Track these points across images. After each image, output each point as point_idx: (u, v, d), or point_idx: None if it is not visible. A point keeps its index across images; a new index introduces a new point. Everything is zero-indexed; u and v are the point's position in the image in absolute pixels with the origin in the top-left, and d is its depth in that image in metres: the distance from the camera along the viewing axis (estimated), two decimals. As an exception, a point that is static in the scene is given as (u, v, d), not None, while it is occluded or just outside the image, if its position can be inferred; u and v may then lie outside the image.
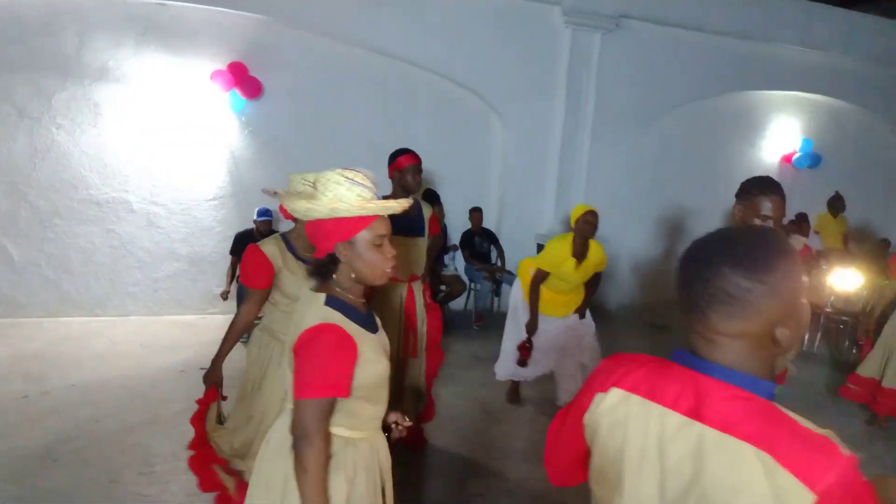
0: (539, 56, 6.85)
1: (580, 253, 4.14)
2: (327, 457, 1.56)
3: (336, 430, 1.61)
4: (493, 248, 6.85)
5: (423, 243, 3.56)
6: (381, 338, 1.76)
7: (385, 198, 3.56)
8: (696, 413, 1.00)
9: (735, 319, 1.01)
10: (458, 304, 6.96)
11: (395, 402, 3.70)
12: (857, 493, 0.92)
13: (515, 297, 4.57)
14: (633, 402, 1.08)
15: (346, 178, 1.64)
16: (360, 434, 1.67)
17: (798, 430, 0.94)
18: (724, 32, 7.49)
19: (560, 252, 4.11)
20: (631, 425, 1.08)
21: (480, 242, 6.79)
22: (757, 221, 2.34)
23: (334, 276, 1.67)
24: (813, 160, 8.50)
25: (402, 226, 3.51)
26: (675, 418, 1.03)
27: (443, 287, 6.52)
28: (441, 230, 3.95)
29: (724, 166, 8.21)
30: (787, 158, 8.58)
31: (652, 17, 7.07)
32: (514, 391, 4.71)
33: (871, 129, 8.94)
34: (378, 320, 1.81)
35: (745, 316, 1.00)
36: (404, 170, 3.38)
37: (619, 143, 7.35)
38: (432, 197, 6.63)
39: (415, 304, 3.53)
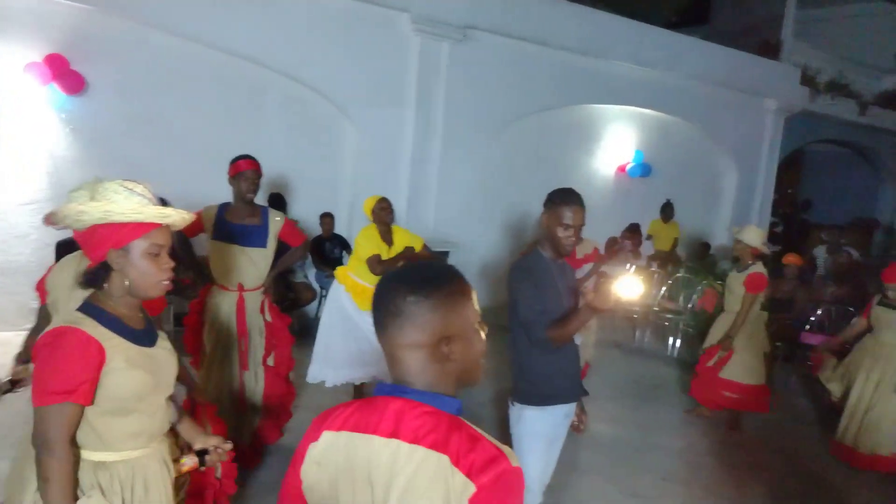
0: (389, 62, 6.90)
1: (386, 238, 4.49)
2: (73, 466, 1.50)
3: (83, 453, 1.53)
4: (344, 254, 6.79)
5: (260, 255, 3.46)
6: (157, 353, 1.69)
7: (223, 205, 3.44)
8: (394, 433, 1.13)
9: (406, 330, 1.17)
10: (309, 311, 6.83)
11: (235, 419, 3.59)
12: (507, 493, 1.09)
13: (337, 298, 4.60)
14: (342, 438, 1.17)
15: (126, 187, 1.57)
16: (116, 456, 1.58)
17: (476, 439, 1.11)
18: (566, 48, 7.95)
19: (373, 238, 4.42)
20: (341, 460, 1.17)
21: (331, 248, 6.70)
22: (560, 229, 2.49)
23: (106, 285, 1.60)
24: (644, 170, 9.24)
25: (237, 234, 3.39)
26: (377, 441, 1.14)
27: (291, 295, 6.37)
28: (305, 240, 3.87)
29: (567, 175, 8.71)
30: (622, 168, 9.27)
31: (498, 30, 7.35)
32: (358, 395, 4.70)
33: (694, 141, 9.87)
34: (163, 336, 1.73)
35: (413, 327, 1.16)
36: (239, 175, 3.30)
37: (470, 150, 7.57)
38: (279, 202, 6.46)
39: (245, 315, 3.42)
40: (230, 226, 3.40)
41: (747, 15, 11.80)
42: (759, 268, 4.97)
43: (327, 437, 1.19)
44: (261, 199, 6.53)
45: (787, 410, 5.64)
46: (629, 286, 2.30)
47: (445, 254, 7.14)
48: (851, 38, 12.60)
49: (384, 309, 1.19)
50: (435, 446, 1.09)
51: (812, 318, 6.28)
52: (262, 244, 3.48)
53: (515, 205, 8.28)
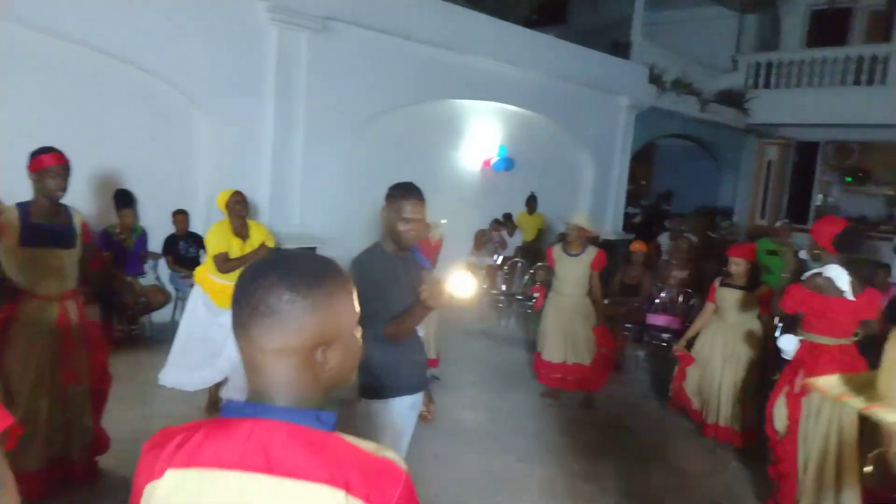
0: (244, 52, 6.64)
1: (241, 233, 4.47)
2: None
3: None
4: (201, 253, 6.48)
5: (73, 256, 3.20)
6: None
7: (23, 205, 3.09)
8: (267, 466, 0.94)
9: (276, 333, 0.98)
10: (164, 315, 6.47)
11: (63, 436, 3.32)
12: (414, 499, 1.00)
13: (195, 302, 4.46)
14: (194, 477, 0.96)
15: None
16: None
17: (364, 459, 0.97)
18: (428, 42, 8.03)
19: (222, 234, 4.37)
20: None
21: (186, 247, 6.38)
22: (401, 223, 2.51)
23: None
24: (508, 164, 9.55)
25: (49, 237, 3.12)
26: (245, 480, 0.95)
27: (142, 300, 6.00)
28: (93, 238, 3.59)
29: (434, 169, 8.83)
30: (487, 163, 9.52)
31: (359, 22, 7.28)
32: (213, 399, 4.53)
33: (554, 136, 10.32)
34: None
35: (285, 330, 0.98)
36: (44, 172, 3.00)
37: (335, 144, 7.46)
38: (127, 199, 6.04)
39: (70, 325, 3.16)
40: (41, 227, 3.09)
41: (600, 15, 12.50)
42: (595, 249, 5.29)
43: (172, 476, 0.96)
44: (106, 196, 6.13)
45: (636, 387, 6.05)
46: (462, 284, 2.34)
47: (312, 250, 7.01)
48: (693, 39, 13.70)
49: (249, 307, 0.99)
50: (323, 478, 0.92)
51: (657, 301, 6.78)
52: (73, 244, 3.23)
53: (383, 199, 8.25)
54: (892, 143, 13.21)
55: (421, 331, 2.68)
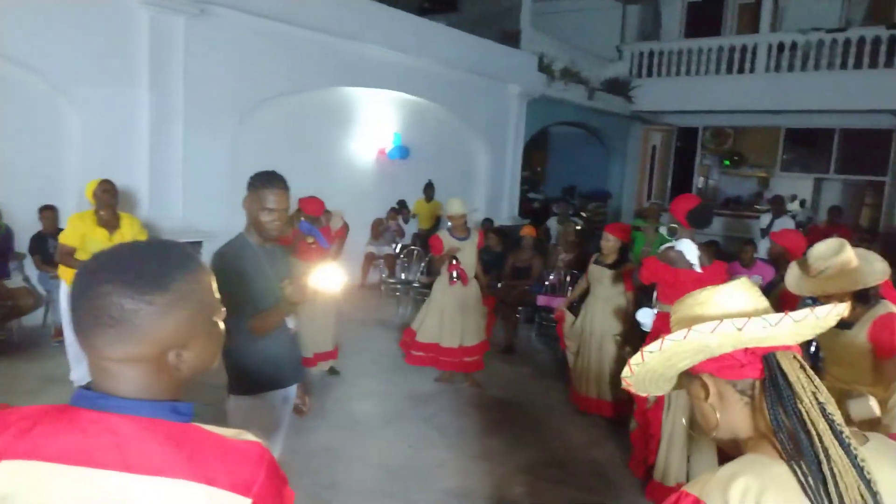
0: (114, 37, 6.26)
1: (109, 224, 4.46)
2: None
3: None
4: (74, 252, 6.10)
5: None
6: None
7: None
8: (118, 462, 0.87)
9: (121, 344, 0.90)
10: (35, 319, 6.05)
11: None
12: (280, 478, 1.00)
13: (63, 295, 4.33)
14: (31, 472, 0.87)
15: None
16: None
17: (224, 447, 0.93)
18: (317, 28, 7.87)
19: (79, 225, 4.37)
20: None
21: (55, 245, 5.97)
22: (263, 213, 2.47)
23: None
24: (403, 152, 9.56)
25: None
26: (94, 476, 0.87)
27: (8, 302, 5.59)
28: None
29: (328, 158, 8.71)
30: (382, 151, 9.49)
31: (239, 6, 7.03)
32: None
33: (449, 124, 10.42)
34: None
35: (132, 340, 0.90)
36: None
37: (218, 133, 7.20)
38: (-16, 195, 5.59)
39: None
40: None
41: (491, 4, 12.69)
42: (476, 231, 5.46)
43: (8, 467, 0.87)
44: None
45: (528, 366, 6.25)
46: (328, 278, 2.32)
47: (198, 244, 6.74)
48: (580, 29, 14.18)
49: (89, 315, 0.89)
50: (181, 474, 0.87)
51: (546, 283, 7.02)
52: None
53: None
54: (762, 127, 14.25)
55: (290, 323, 2.64)
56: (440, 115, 10.23)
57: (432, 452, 4.32)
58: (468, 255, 5.37)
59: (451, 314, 5.43)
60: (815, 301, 2.85)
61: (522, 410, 5.16)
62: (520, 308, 6.85)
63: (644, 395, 1.25)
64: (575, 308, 5.28)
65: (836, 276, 2.69)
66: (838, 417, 0.99)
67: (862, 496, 0.93)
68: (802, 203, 14.34)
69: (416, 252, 8.60)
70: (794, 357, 1.05)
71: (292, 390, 2.72)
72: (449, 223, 5.40)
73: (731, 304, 1.08)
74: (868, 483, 0.94)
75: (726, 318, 1.02)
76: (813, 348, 3.94)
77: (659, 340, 1.08)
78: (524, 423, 4.91)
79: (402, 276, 8.64)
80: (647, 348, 1.10)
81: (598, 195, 14.53)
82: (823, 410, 0.98)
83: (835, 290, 2.67)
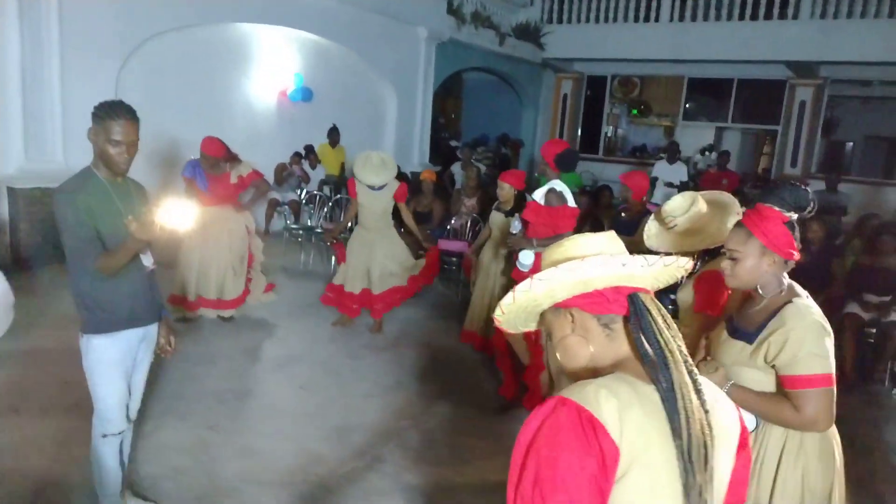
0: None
1: None
2: None
3: None
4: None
5: None
6: None
7: None
8: None
9: None
10: None
11: None
12: None
13: None
14: None
15: None
16: None
17: None
18: (207, -40, 7.45)
19: None
20: None
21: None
22: (109, 145, 2.37)
23: None
24: (305, 94, 9.31)
25: None
26: None
27: None
28: None
29: (223, 98, 8.38)
30: (283, 93, 9.20)
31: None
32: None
33: (354, 67, 10.19)
34: None
35: None
36: None
37: (101, 72, 6.78)
38: None
39: None
40: None
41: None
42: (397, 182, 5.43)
43: None
44: None
45: (430, 310, 6.36)
46: (175, 214, 2.25)
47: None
48: (491, -27, 14.00)
49: None
50: None
51: (448, 227, 7.10)
52: None
53: (164, 131, 7.69)
54: (666, 77, 14.67)
55: (147, 261, 2.57)
56: (345, 58, 9.97)
57: (323, 393, 4.38)
58: (380, 202, 5.35)
59: (357, 261, 5.43)
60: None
61: (417, 351, 5.27)
62: (420, 252, 6.91)
63: (513, 331, 1.36)
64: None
65: (688, 234, 2.80)
66: (685, 349, 1.15)
67: (699, 414, 1.09)
68: (710, 149, 15.03)
69: (320, 198, 8.48)
70: (651, 299, 1.19)
71: (152, 330, 2.67)
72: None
73: (599, 249, 1.20)
74: (703, 403, 1.11)
75: (612, 262, 1.14)
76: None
77: (528, 280, 1.18)
78: (418, 362, 5.03)
79: (309, 222, 8.51)
80: (519, 286, 1.18)
81: (483, 140, 14.51)
82: (675, 342, 1.14)
83: (688, 248, 2.79)
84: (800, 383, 1.81)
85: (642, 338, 1.13)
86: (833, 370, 1.82)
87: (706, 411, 1.10)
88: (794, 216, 1.90)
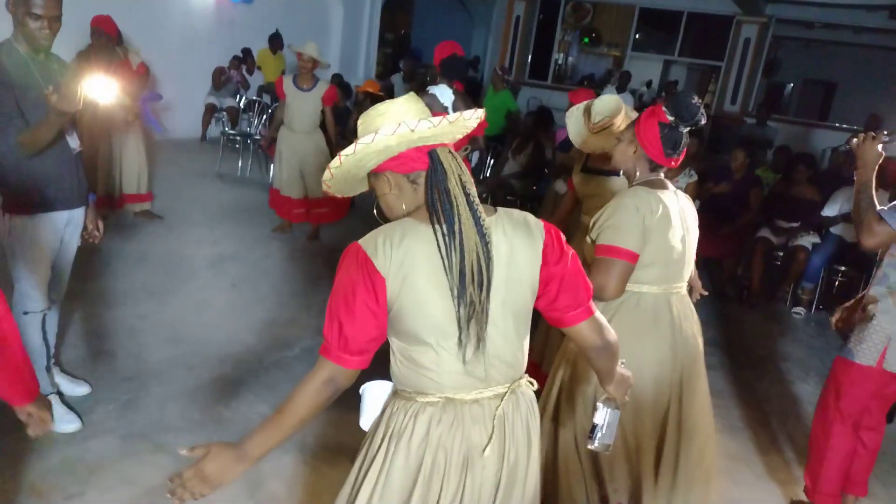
0: None
1: None
2: None
3: None
4: None
5: None
6: None
7: None
8: None
9: None
10: None
11: None
12: None
13: None
14: None
15: None
16: None
17: None
18: None
19: None
20: None
21: None
22: (30, 19, 2.30)
23: None
24: (245, -4, 8.96)
25: None
26: None
27: None
28: None
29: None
30: (222, -8, 8.83)
31: None
32: None
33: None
34: None
35: None
36: None
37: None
38: None
39: None
40: None
41: None
42: (326, 83, 5.38)
43: None
44: None
45: (372, 221, 6.44)
46: (99, 87, 2.24)
47: None
48: None
49: None
50: None
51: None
52: None
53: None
54: (618, 5, 14.64)
55: (73, 143, 2.57)
56: (290, -41, 9.58)
57: (253, 291, 4.49)
58: (309, 106, 5.31)
59: (288, 165, 5.44)
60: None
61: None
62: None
63: (341, 196, 1.51)
64: None
65: (606, 134, 2.93)
66: (474, 193, 1.32)
67: (476, 245, 1.28)
68: (649, 84, 15.25)
69: (259, 104, 8.32)
70: (449, 151, 1.34)
71: (78, 214, 2.69)
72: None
73: (405, 114, 1.32)
74: (483, 237, 1.29)
75: (405, 126, 1.26)
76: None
77: (352, 145, 1.29)
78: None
79: (248, 129, 8.37)
80: (343, 152, 1.30)
81: (413, 57, 14.26)
82: (465, 188, 1.30)
83: (598, 149, 2.90)
84: (597, 251, 1.98)
85: (434, 188, 1.29)
86: (629, 246, 1.93)
87: (486, 242, 1.29)
88: (682, 128, 2.00)
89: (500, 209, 1.40)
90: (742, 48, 13.24)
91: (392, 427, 1.38)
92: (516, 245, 1.34)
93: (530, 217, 1.41)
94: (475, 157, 7.17)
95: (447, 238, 1.26)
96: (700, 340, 2.21)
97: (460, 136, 1.40)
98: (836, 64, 14.72)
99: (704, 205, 5.57)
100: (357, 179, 1.42)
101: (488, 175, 6.73)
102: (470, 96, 8.03)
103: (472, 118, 1.34)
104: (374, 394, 1.52)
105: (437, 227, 1.28)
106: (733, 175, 5.57)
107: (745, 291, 5.48)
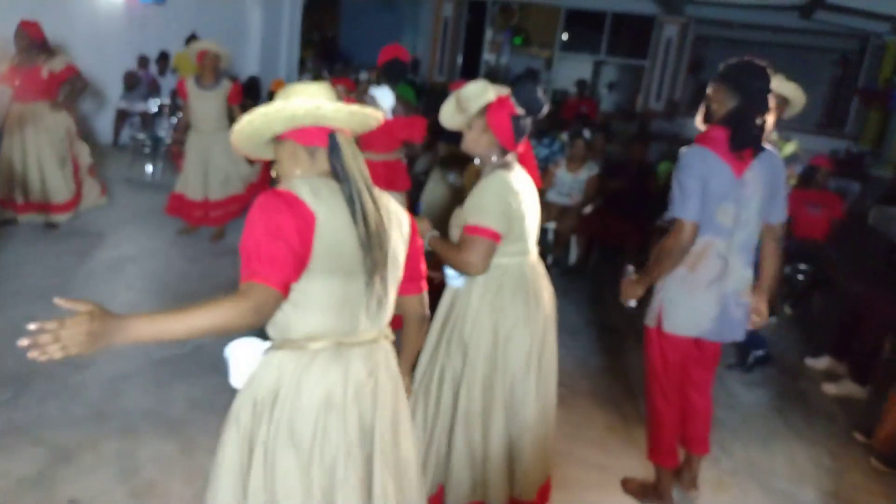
0: None
1: None
2: None
3: None
4: None
5: None
6: None
7: None
8: None
9: None
10: None
11: None
12: None
13: None
14: None
15: None
16: None
17: None
18: None
19: None
20: None
21: None
22: None
23: None
24: (157, -4, 8.96)
25: None
26: None
27: None
28: None
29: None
30: (133, -7, 8.82)
31: None
32: None
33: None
34: None
35: None
36: None
37: None
38: None
39: None
40: None
41: None
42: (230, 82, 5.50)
43: None
44: None
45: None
46: None
47: None
48: None
49: None
50: None
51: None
52: None
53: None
54: (545, 6, 15.11)
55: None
56: (202, -41, 9.63)
57: (153, 291, 4.57)
58: (212, 105, 5.41)
59: (193, 165, 5.52)
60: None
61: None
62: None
63: (246, 154, 1.71)
64: None
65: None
66: (367, 173, 1.60)
67: (373, 209, 1.56)
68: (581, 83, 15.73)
69: (171, 107, 8.33)
70: (346, 138, 1.60)
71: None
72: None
73: (316, 95, 1.57)
74: (377, 206, 1.58)
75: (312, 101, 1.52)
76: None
77: (267, 105, 1.52)
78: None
79: (159, 134, 8.35)
80: (258, 110, 1.52)
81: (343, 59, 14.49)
82: (360, 167, 1.59)
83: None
84: (466, 230, 2.24)
85: (336, 160, 1.56)
86: (493, 226, 2.19)
87: (380, 212, 1.58)
88: (527, 117, 2.34)
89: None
90: (665, 47, 13.86)
91: (282, 382, 1.53)
92: (397, 212, 1.70)
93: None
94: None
95: (351, 202, 1.53)
96: (553, 303, 2.52)
97: (361, 130, 1.68)
98: (757, 62, 15.49)
99: (609, 198, 5.92)
100: (262, 142, 1.65)
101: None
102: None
103: (373, 118, 1.63)
104: (243, 351, 1.65)
105: (343, 185, 1.54)
106: (628, 166, 5.93)
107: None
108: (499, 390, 2.35)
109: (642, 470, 3.01)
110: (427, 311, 1.85)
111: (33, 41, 5.03)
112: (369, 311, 1.59)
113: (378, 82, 4.19)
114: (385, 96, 3.99)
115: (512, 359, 2.35)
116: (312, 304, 1.52)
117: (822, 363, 4.45)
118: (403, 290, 1.75)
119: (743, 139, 2.36)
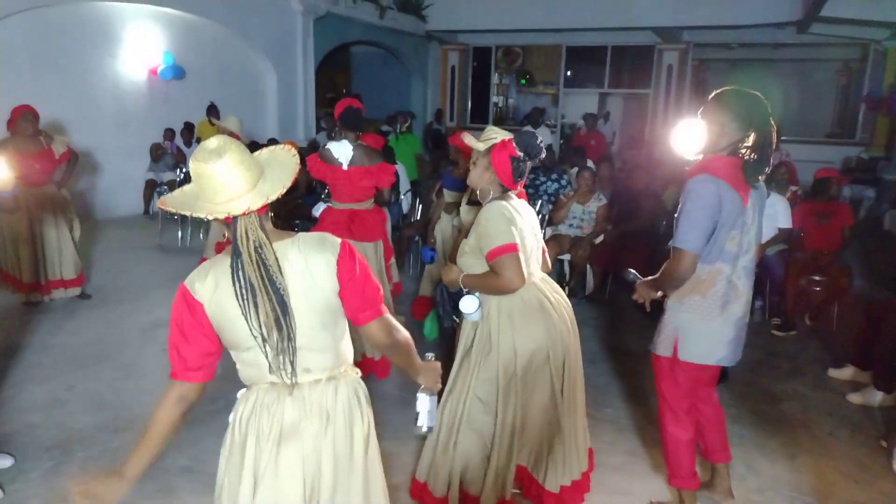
0: None
1: None
2: None
3: None
4: None
5: None
6: None
7: None
8: None
9: None
10: None
11: None
12: None
13: None
14: None
15: None
16: None
17: None
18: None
19: None
20: None
21: None
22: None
23: None
24: (176, 72, 9.33)
25: None
26: None
27: None
28: None
29: (88, 81, 8.35)
30: (153, 71, 9.18)
31: None
32: None
33: (227, 42, 10.24)
34: None
35: None
36: None
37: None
38: None
39: None
40: None
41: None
42: None
43: None
44: None
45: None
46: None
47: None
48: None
49: None
50: None
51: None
52: None
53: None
54: (546, 46, 15.35)
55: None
56: (217, 33, 10.01)
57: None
58: None
59: (219, 230, 5.65)
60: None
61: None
62: (297, 221, 7.22)
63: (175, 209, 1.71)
64: None
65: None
66: (262, 238, 1.58)
67: (258, 270, 1.57)
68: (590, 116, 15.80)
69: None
70: (247, 217, 1.57)
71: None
72: None
73: (226, 182, 1.57)
74: (265, 264, 1.57)
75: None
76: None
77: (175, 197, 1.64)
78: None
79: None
80: (169, 202, 1.62)
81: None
82: (256, 247, 1.57)
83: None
84: (489, 258, 2.39)
85: (233, 241, 1.58)
86: (509, 241, 2.35)
87: (266, 266, 1.57)
88: (526, 160, 2.48)
89: (300, 234, 1.70)
90: (666, 74, 13.97)
91: (236, 412, 1.75)
92: (311, 258, 1.64)
93: (328, 236, 1.70)
94: (405, 202, 7.51)
95: (235, 269, 1.58)
96: (573, 315, 2.68)
97: (275, 195, 1.62)
98: (759, 80, 15.46)
99: (617, 225, 5.96)
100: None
101: (418, 218, 7.03)
102: (437, 148, 8.30)
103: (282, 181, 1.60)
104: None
105: (233, 260, 1.58)
106: (638, 197, 5.96)
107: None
108: (514, 386, 2.51)
109: (667, 494, 2.98)
110: (397, 336, 1.77)
111: (37, 124, 5.21)
112: (283, 366, 1.64)
113: (339, 135, 4.20)
114: (343, 149, 4.03)
115: (528, 361, 2.50)
116: (241, 361, 1.72)
117: (845, 373, 4.37)
118: (357, 321, 1.73)
119: (760, 168, 2.38)
